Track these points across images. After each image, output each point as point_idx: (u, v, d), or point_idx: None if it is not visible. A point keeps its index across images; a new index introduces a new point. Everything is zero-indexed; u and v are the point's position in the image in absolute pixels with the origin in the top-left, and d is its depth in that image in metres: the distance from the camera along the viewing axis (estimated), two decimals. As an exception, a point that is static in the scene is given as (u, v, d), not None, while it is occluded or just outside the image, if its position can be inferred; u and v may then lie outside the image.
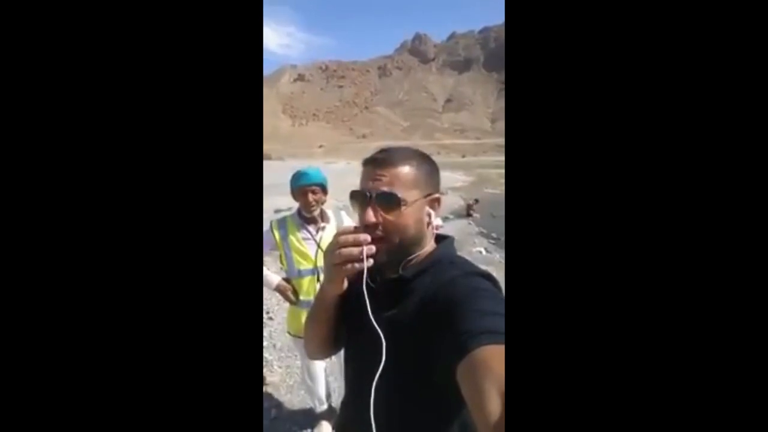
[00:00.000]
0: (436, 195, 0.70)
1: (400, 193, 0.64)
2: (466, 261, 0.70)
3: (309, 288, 1.94)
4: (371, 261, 0.63)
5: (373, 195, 0.65)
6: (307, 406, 2.40)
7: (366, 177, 0.68)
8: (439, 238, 0.75)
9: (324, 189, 1.91)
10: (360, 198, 0.67)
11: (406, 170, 0.66)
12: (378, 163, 0.67)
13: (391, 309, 0.67)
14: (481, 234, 8.88)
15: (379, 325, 0.62)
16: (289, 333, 2.18)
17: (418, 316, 0.64)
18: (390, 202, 0.64)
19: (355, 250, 0.63)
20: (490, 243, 7.87)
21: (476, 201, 12.10)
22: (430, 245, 0.72)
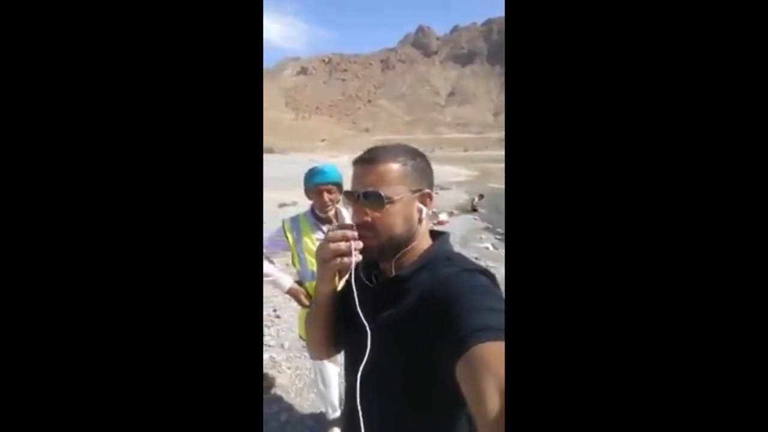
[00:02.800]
0: (427, 190, 0.70)
1: (385, 191, 0.65)
2: (462, 257, 0.71)
3: None
4: (359, 256, 0.64)
5: (360, 194, 0.66)
6: (318, 411, 2.36)
7: (354, 177, 0.69)
8: (435, 235, 0.76)
9: (340, 187, 1.83)
10: (351, 198, 0.69)
11: (391, 167, 0.67)
12: (364, 162, 0.68)
13: (389, 308, 0.68)
14: (488, 229, 8.78)
15: (377, 325, 0.63)
16: (301, 337, 2.11)
17: (416, 314, 0.64)
18: (375, 200, 0.65)
19: (342, 245, 0.64)
20: (497, 239, 7.77)
21: (481, 196, 11.97)
22: (425, 242, 0.73)
